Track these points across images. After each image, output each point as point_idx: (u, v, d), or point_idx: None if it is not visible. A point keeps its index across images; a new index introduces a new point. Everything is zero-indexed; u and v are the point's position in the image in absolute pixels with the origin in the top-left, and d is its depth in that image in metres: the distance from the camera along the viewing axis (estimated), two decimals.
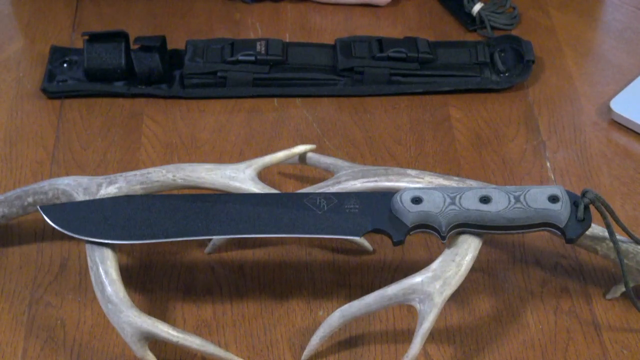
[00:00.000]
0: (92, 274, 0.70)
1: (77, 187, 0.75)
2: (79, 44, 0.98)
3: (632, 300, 0.73)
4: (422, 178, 0.75)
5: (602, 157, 0.88)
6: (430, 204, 0.69)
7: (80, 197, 0.74)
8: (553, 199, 0.69)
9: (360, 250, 0.80)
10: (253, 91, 0.94)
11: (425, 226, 0.70)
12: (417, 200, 0.70)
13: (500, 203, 0.69)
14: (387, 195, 0.72)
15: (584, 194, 0.70)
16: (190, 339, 0.68)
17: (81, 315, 0.75)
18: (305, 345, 0.72)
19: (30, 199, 0.76)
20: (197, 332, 0.74)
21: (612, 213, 0.70)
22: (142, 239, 0.71)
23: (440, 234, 0.70)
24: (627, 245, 0.73)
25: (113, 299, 0.69)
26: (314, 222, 0.70)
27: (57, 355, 0.72)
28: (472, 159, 0.88)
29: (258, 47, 0.94)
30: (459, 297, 0.77)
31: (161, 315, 0.75)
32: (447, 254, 0.70)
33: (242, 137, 0.90)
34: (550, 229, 0.70)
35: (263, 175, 0.84)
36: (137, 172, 0.76)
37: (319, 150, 0.85)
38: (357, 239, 0.79)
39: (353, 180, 0.76)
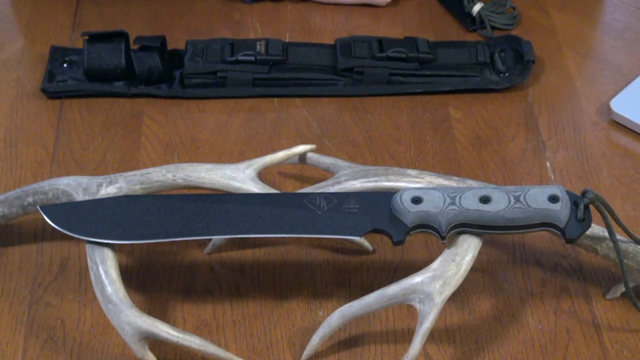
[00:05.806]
0: (92, 274, 0.70)
1: (77, 187, 0.75)
2: (79, 44, 0.98)
3: (632, 300, 0.73)
4: (422, 178, 0.75)
5: (602, 157, 0.88)
6: (430, 204, 0.69)
7: (80, 197, 0.74)
8: (553, 199, 0.69)
9: (360, 250, 0.80)
10: (253, 91, 0.94)
11: (425, 226, 0.70)
12: (417, 200, 0.70)
13: (500, 203, 0.69)
14: (387, 195, 0.72)
15: (583, 194, 0.69)
16: (190, 339, 0.68)
17: (81, 315, 0.75)
18: (305, 345, 0.72)
19: (30, 199, 0.76)
20: (197, 332, 0.74)
21: (612, 213, 0.70)
22: (142, 239, 0.71)
23: (440, 234, 0.70)
24: (627, 245, 0.73)
25: (113, 299, 0.69)
26: (314, 222, 0.70)
27: (57, 355, 0.72)
28: (472, 159, 0.88)
29: (258, 47, 0.94)
30: (459, 297, 0.77)
31: (161, 315, 0.75)
32: (447, 254, 0.70)
33: (242, 137, 0.90)
34: (550, 229, 0.70)
35: (263, 175, 0.84)
36: (137, 172, 0.76)
37: (319, 150, 0.85)
38: (357, 239, 0.79)
39: (353, 180, 0.76)
